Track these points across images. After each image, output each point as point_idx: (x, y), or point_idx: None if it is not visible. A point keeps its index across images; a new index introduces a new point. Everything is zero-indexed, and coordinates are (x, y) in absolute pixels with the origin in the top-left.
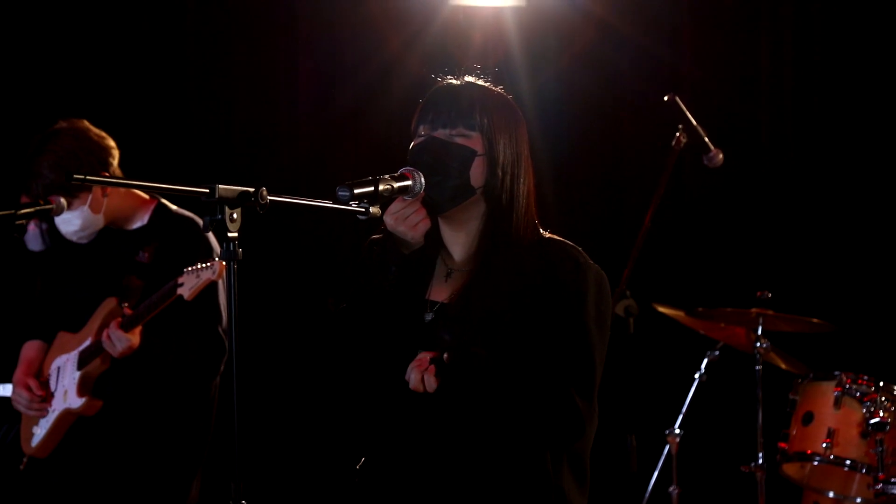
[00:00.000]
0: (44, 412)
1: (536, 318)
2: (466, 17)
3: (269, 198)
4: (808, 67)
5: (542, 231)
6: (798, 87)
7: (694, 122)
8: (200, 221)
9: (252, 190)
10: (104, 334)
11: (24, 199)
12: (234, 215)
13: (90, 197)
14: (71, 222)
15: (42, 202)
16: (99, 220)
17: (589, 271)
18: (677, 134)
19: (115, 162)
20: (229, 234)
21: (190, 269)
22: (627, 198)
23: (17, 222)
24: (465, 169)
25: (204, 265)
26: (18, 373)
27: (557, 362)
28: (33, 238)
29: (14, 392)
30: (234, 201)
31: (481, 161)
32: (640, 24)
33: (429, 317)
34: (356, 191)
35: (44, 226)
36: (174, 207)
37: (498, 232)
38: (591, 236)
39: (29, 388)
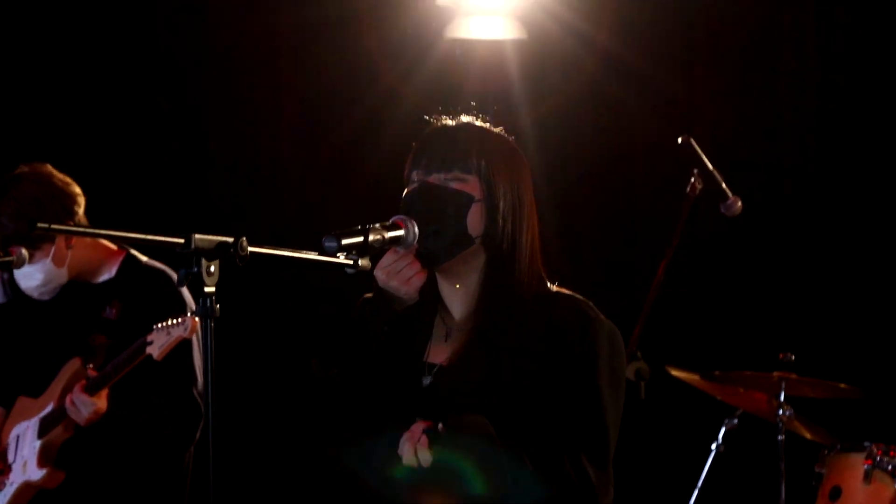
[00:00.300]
0: (1, 485)
1: (543, 380)
2: (464, 52)
3: (249, 249)
4: (833, 107)
5: (548, 284)
6: (823, 129)
7: (710, 167)
8: (174, 274)
9: (231, 240)
10: (67, 399)
11: None
12: (212, 268)
13: (53, 248)
14: (32, 276)
15: (2, 253)
16: (63, 275)
17: (601, 327)
18: (692, 179)
19: (81, 210)
20: (206, 289)
21: (160, 325)
22: (638, 248)
23: None
24: (462, 216)
25: (175, 321)
26: None
27: (567, 427)
28: None
29: None
30: (212, 253)
31: (479, 207)
32: (649, 57)
33: (426, 380)
34: (344, 241)
35: (5, 276)
36: (145, 259)
37: (500, 285)
38: (598, 290)
39: None
